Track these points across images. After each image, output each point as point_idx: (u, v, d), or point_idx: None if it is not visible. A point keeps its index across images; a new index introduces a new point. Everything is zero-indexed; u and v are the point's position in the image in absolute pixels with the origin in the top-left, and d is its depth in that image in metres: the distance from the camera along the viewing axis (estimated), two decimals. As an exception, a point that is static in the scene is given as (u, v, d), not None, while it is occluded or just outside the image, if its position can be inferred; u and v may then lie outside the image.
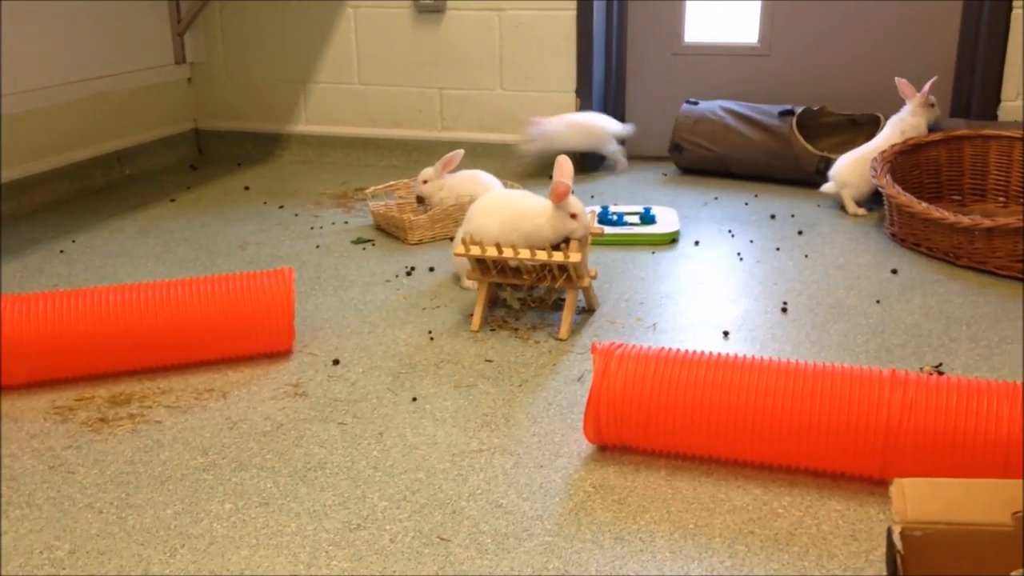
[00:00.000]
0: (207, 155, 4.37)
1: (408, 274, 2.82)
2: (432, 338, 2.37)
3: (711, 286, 2.70)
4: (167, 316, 2.13)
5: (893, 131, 3.33)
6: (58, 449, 1.85)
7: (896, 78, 3.36)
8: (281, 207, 3.52)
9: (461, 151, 3.18)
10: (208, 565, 1.50)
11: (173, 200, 3.61)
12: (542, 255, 2.32)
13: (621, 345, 1.83)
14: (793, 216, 3.31)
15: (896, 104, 3.40)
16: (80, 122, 3.72)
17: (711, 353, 1.80)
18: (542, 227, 2.35)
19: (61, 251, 3.02)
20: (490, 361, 2.24)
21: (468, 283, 2.65)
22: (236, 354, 2.24)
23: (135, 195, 3.68)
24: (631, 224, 3.14)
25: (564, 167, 2.34)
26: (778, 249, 2.99)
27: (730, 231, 3.17)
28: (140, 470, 1.78)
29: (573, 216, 2.34)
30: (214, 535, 1.58)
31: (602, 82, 4.06)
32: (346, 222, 3.34)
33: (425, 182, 3.16)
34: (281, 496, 1.70)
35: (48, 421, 1.96)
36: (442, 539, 1.57)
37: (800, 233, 3.13)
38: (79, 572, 1.48)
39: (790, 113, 3.70)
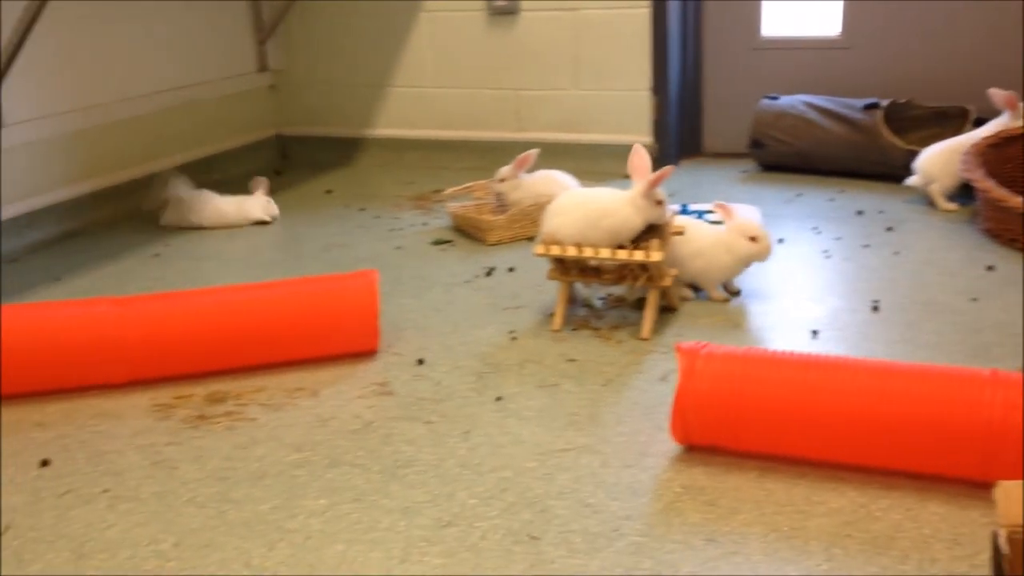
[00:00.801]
0: (290, 160, 4.47)
1: (488, 274, 2.84)
2: (514, 338, 2.39)
3: (797, 284, 2.66)
4: (259, 317, 2.19)
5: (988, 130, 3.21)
6: (160, 445, 1.92)
7: (990, 90, 3.16)
8: (362, 210, 3.58)
9: (536, 151, 3.19)
10: (306, 559, 1.54)
11: (258, 204, 3.70)
12: (623, 254, 2.32)
13: (706, 345, 1.82)
14: (881, 212, 3.24)
15: (983, 95, 3.26)
16: (170, 130, 3.84)
17: (800, 353, 1.77)
18: (630, 218, 2.35)
19: (156, 255, 3.12)
20: (573, 361, 2.24)
21: None
22: (324, 354, 2.29)
23: (222, 200, 3.78)
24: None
25: (642, 154, 2.37)
26: (867, 246, 2.93)
27: (815, 228, 3.12)
28: (237, 466, 1.83)
29: (659, 203, 2.34)
30: (310, 530, 1.62)
31: (678, 79, 4.03)
32: (425, 224, 3.38)
33: (502, 180, 3.18)
34: (373, 492, 1.73)
35: (150, 418, 2.04)
36: (532, 537, 1.58)
37: (889, 229, 3.06)
38: (183, 565, 1.54)
39: (876, 106, 3.61)
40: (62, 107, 3.34)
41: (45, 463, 1.85)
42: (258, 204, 3.44)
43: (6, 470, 1.84)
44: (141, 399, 2.12)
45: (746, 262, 2.48)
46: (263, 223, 3.41)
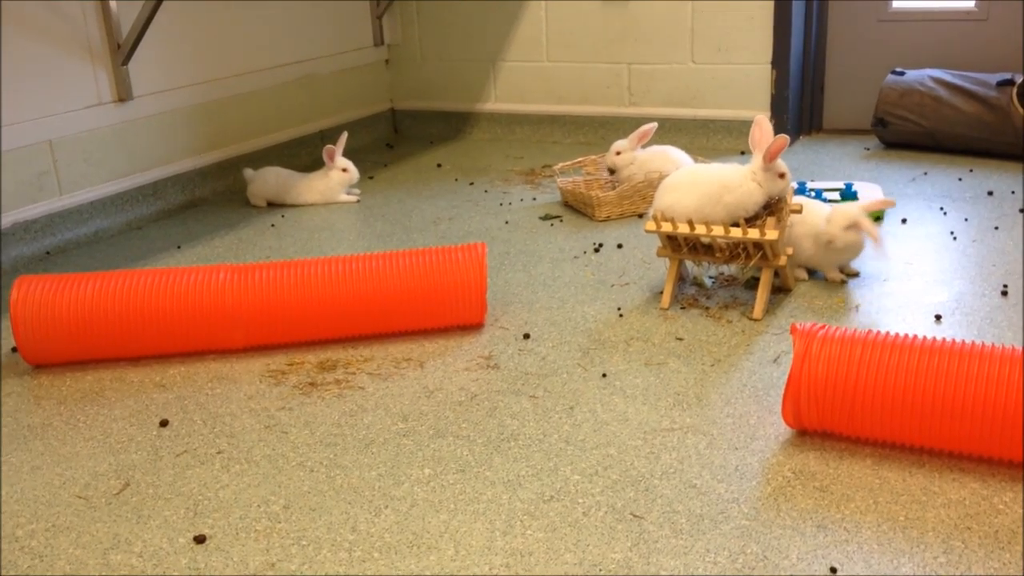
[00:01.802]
0: (402, 134, 4.53)
1: (596, 250, 2.82)
2: (621, 315, 2.36)
3: (920, 267, 2.54)
4: (369, 287, 2.22)
5: None
6: (272, 410, 1.98)
7: None
8: (471, 184, 3.60)
9: (654, 124, 3.14)
10: (410, 526, 1.56)
11: (371, 177, 3.76)
12: (736, 232, 2.25)
13: (824, 327, 1.75)
14: (1013, 193, 3.06)
15: None
16: (288, 103, 3.93)
17: (923, 337, 1.69)
18: (752, 192, 2.30)
19: (272, 225, 3.21)
20: (680, 339, 2.20)
21: None
22: (432, 325, 2.31)
23: (336, 173, 3.86)
24: (831, 201, 3.00)
25: (765, 126, 2.30)
26: (997, 228, 2.77)
27: (942, 209, 2.97)
28: (346, 432, 1.87)
29: (781, 176, 2.29)
30: (415, 498, 1.64)
31: (800, 52, 3.89)
32: (534, 198, 3.37)
33: (619, 153, 3.14)
34: (477, 464, 1.74)
35: (263, 384, 2.10)
36: (635, 516, 1.56)
37: (1022, 211, 2.89)
38: (292, 527, 1.58)
39: (1010, 83, 3.41)
40: (185, 81, 3.46)
41: (164, 423, 1.93)
42: (336, 182, 3.41)
43: (128, 428, 1.93)
44: (256, 364, 2.19)
45: (843, 254, 2.41)
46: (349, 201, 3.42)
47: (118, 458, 1.81)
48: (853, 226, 2.34)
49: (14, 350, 2.27)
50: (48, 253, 3.01)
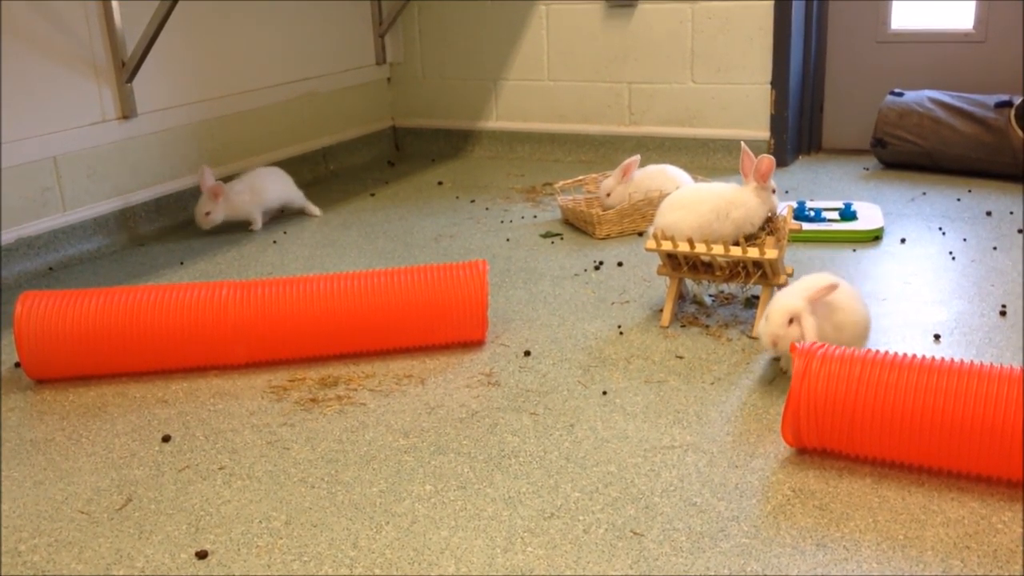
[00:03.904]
0: (403, 151, 4.55)
1: (596, 268, 2.83)
2: (621, 332, 2.37)
3: (919, 286, 2.55)
4: (371, 304, 2.23)
5: None
6: (274, 426, 1.99)
7: None
8: (472, 201, 3.62)
9: (637, 157, 3.16)
10: (411, 543, 1.57)
11: (373, 195, 3.78)
12: (737, 251, 2.27)
13: (823, 345, 1.76)
14: (1012, 213, 3.08)
15: None
16: (290, 121, 3.96)
17: (921, 356, 1.70)
18: (755, 209, 2.35)
19: (274, 241, 3.23)
20: (681, 358, 2.21)
21: None
22: (433, 342, 2.32)
23: (338, 190, 3.88)
24: (830, 220, 3.02)
25: (749, 152, 2.37)
26: (995, 248, 2.79)
27: (940, 229, 2.99)
28: (348, 449, 1.88)
29: (773, 191, 2.37)
30: (416, 514, 1.65)
31: (799, 73, 3.92)
32: (535, 216, 3.39)
33: (608, 195, 3.16)
34: (477, 481, 1.75)
35: (265, 399, 2.11)
36: (635, 533, 1.57)
37: (1021, 231, 2.90)
38: (294, 543, 1.58)
39: (1008, 104, 3.44)
40: (188, 98, 3.48)
41: (167, 439, 1.94)
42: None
43: (130, 443, 1.93)
44: (258, 380, 2.19)
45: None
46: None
47: (120, 473, 1.82)
48: (796, 320, 1.96)
49: (17, 365, 2.28)
50: (51, 269, 3.02)
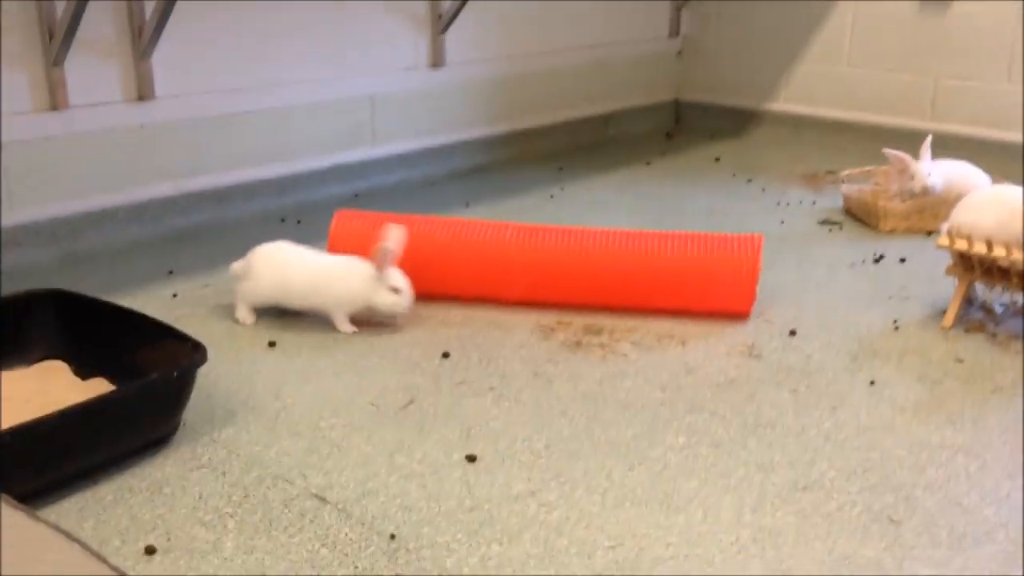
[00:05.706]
0: (683, 125, 4.56)
1: (876, 261, 2.73)
2: (897, 328, 2.28)
3: None
4: (644, 262, 2.30)
5: None
6: (540, 360, 2.11)
7: None
8: (749, 181, 3.58)
9: (929, 137, 2.96)
10: (662, 486, 1.63)
11: (648, 163, 3.83)
12: (1041, 259, 2.11)
13: None
14: None
15: None
16: (578, 85, 4.09)
17: None
18: None
19: (551, 196, 3.37)
20: (961, 361, 2.10)
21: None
22: (697, 307, 2.35)
23: (616, 155, 3.96)
24: None
25: None
26: None
27: None
28: (607, 392, 1.96)
29: None
30: (667, 461, 1.71)
31: None
32: (814, 203, 3.30)
33: (930, 174, 2.94)
34: (730, 443, 1.77)
35: (534, 336, 2.24)
36: (892, 521, 1.53)
37: None
38: (553, 464, 1.69)
39: None
40: (491, 54, 3.69)
41: (446, 355, 2.11)
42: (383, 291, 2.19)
43: (414, 354, 2.12)
44: (528, 318, 2.33)
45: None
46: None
47: (405, 378, 2.01)
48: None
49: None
50: (356, 195, 3.33)
